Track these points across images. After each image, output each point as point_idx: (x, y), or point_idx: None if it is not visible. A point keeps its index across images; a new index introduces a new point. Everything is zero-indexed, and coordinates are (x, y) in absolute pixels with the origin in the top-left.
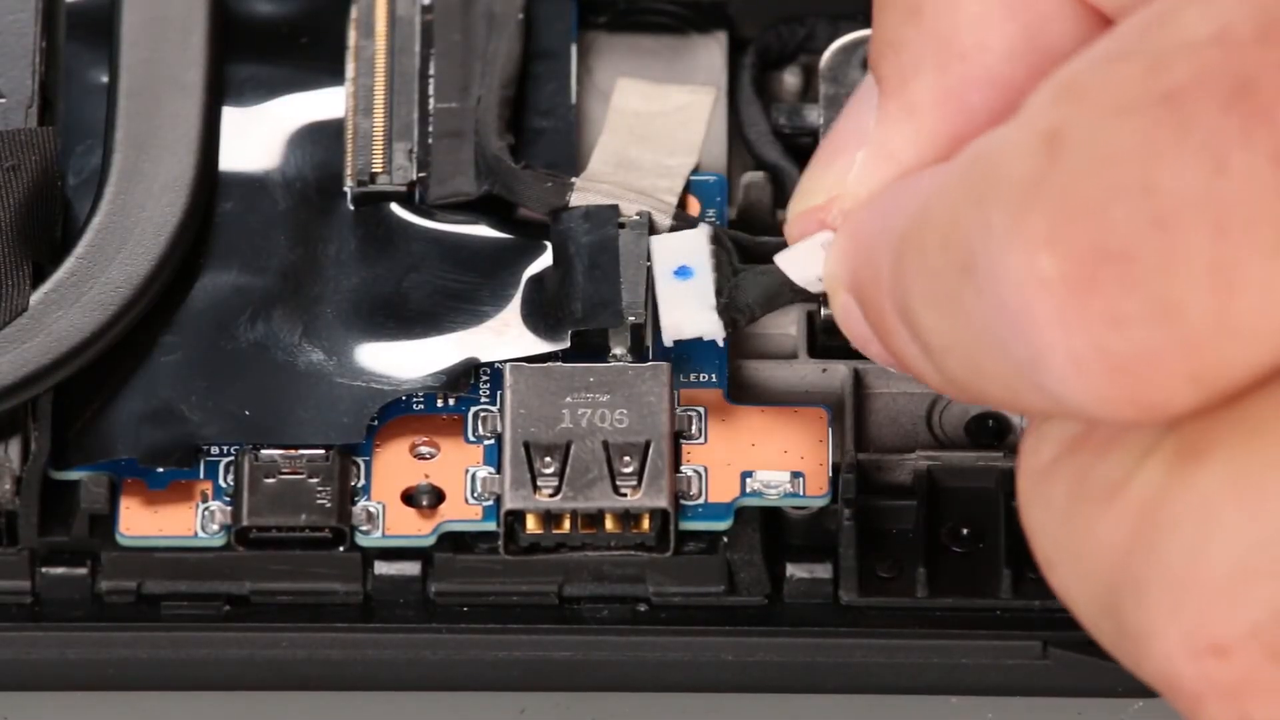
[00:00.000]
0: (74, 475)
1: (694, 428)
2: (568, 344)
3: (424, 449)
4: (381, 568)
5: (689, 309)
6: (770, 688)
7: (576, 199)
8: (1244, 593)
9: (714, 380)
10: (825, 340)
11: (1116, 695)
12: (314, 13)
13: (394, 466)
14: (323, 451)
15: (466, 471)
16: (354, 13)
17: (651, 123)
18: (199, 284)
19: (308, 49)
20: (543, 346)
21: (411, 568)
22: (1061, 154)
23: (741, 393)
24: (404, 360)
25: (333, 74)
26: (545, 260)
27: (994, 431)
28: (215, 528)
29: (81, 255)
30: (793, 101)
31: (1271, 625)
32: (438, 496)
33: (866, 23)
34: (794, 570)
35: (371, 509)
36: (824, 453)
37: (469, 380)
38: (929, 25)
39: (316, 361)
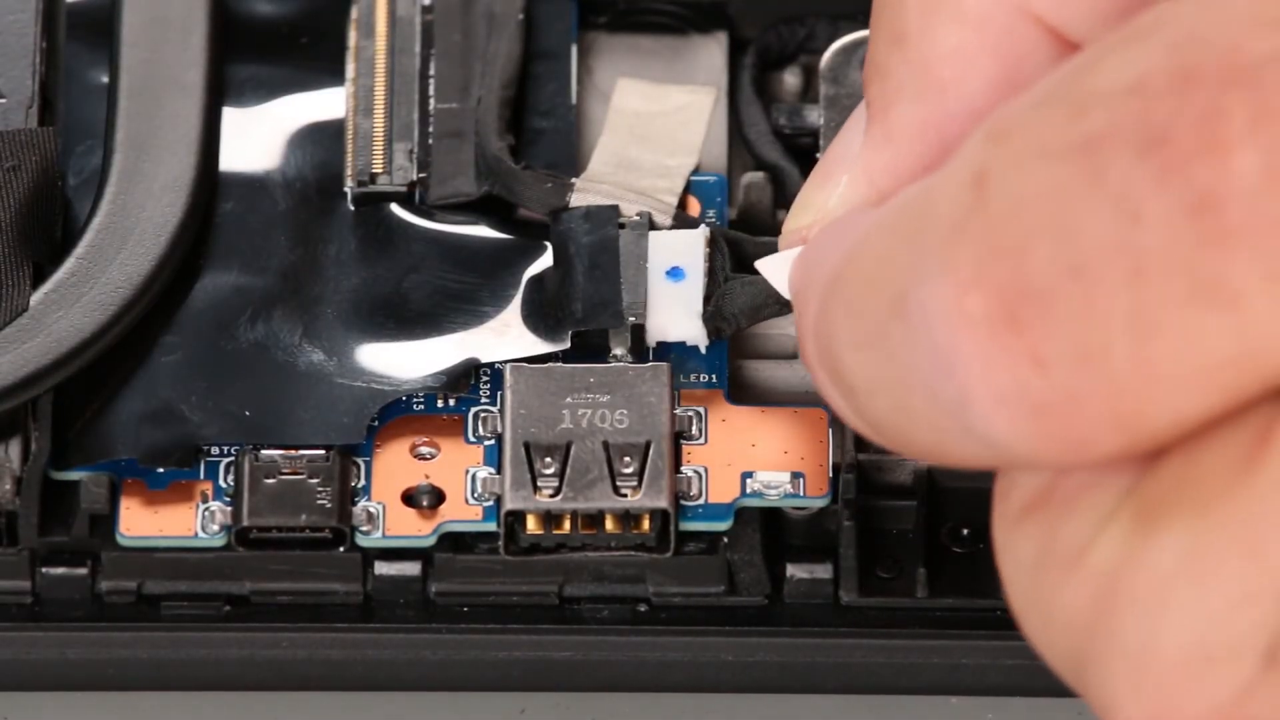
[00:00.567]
0: (74, 475)
1: (694, 428)
2: (568, 344)
3: (424, 449)
4: (382, 568)
5: (675, 313)
6: (770, 688)
7: (576, 199)
8: (1202, 674)
9: (714, 380)
10: None
11: None
12: (314, 13)
13: (394, 467)
14: (323, 452)
15: (467, 472)
16: (354, 13)
17: (651, 123)
18: (199, 284)
19: (308, 49)
20: (543, 347)
21: (412, 568)
22: (986, 194)
23: (741, 393)
24: (404, 360)
25: (333, 74)
26: (545, 261)
27: None
28: (215, 528)
29: (81, 255)
30: (793, 102)
31: (1231, 706)
32: (438, 497)
33: (866, 23)
34: (794, 570)
35: (372, 509)
36: (824, 453)
37: (469, 381)
38: (911, 54)
39: (317, 362)
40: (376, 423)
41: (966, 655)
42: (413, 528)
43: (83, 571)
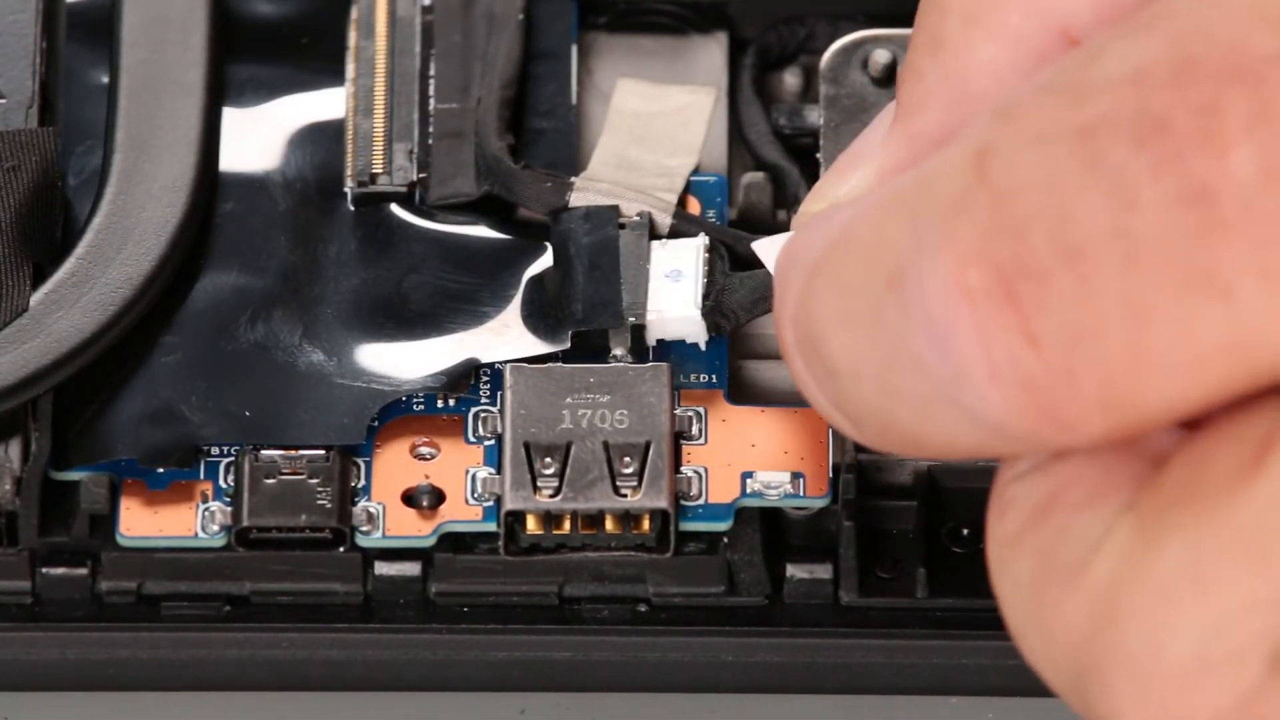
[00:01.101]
0: (74, 475)
1: (694, 428)
2: (568, 344)
3: (424, 449)
4: (382, 568)
5: (674, 310)
6: (770, 688)
7: (576, 199)
8: (1206, 682)
9: (714, 381)
10: None
11: None
12: (314, 13)
13: (394, 467)
14: (323, 452)
15: (467, 472)
16: (354, 13)
17: (651, 123)
18: (199, 284)
19: (308, 49)
20: (543, 347)
21: (412, 568)
22: (988, 174)
23: (742, 393)
24: (404, 361)
25: (333, 74)
26: (545, 261)
27: None
28: (215, 528)
29: (81, 255)
30: (793, 102)
31: (1235, 713)
32: (438, 497)
33: (867, 23)
34: (794, 570)
35: (372, 509)
36: (824, 453)
37: (469, 381)
38: (945, 61)
39: (317, 362)
40: (376, 423)
41: (966, 655)
42: (413, 528)
43: (83, 572)
